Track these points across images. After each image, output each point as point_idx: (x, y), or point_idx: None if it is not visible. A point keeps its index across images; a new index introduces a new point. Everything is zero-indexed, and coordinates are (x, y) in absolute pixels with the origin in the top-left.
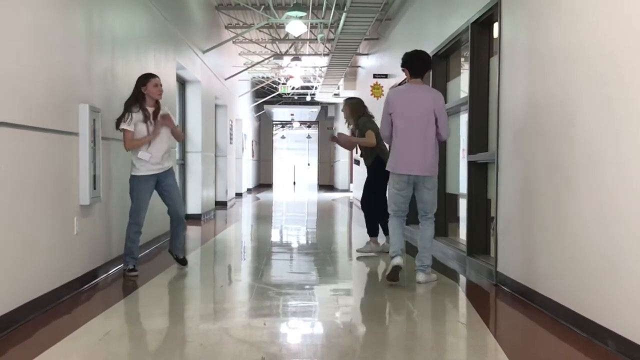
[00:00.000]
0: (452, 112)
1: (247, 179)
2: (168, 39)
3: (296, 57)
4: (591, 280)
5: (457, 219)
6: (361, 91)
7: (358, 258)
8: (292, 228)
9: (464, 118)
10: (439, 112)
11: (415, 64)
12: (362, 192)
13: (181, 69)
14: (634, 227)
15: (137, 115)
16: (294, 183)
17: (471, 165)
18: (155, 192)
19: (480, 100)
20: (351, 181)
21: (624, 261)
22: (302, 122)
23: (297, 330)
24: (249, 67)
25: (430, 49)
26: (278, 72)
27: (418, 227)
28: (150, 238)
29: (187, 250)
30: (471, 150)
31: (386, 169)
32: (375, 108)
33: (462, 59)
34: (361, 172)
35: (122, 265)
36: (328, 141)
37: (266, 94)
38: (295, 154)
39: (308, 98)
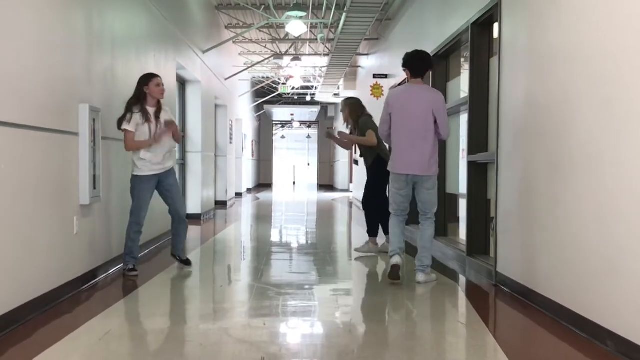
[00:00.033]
0: (452, 112)
1: (247, 179)
2: (168, 38)
3: (296, 57)
4: (591, 281)
5: (457, 219)
6: (361, 91)
7: (357, 258)
8: (291, 228)
9: (464, 118)
10: (438, 112)
11: (416, 64)
12: (364, 192)
13: (181, 69)
14: (634, 227)
15: (139, 116)
16: (294, 183)
17: (471, 165)
18: (155, 192)
19: (480, 101)
20: (351, 181)
21: (624, 261)
22: (302, 122)
23: (297, 330)
24: (249, 67)
25: (430, 49)
26: (278, 72)
27: (418, 227)
28: (151, 238)
29: (187, 250)
30: (471, 150)
31: (387, 168)
32: (375, 108)
33: (462, 59)
34: (361, 172)
35: (122, 265)
36: (324, 137)
37: (266, 94)
38: (295, 154)
39: (308, 98)
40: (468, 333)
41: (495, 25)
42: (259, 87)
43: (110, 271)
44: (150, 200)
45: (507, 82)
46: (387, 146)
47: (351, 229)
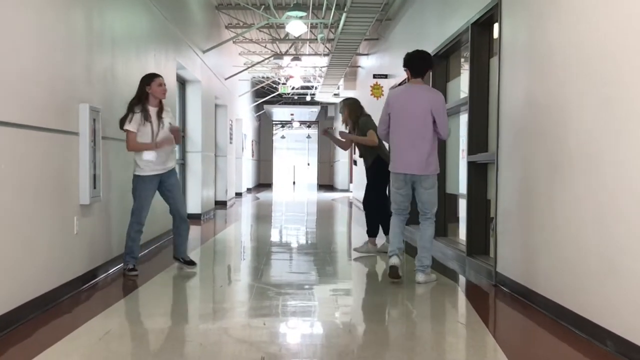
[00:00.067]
0: (452, 112)
1: (247, 179)
2: (168, 38)
3: (296, 57)
4: (591, 281)
5: (457, 219)
6: (361, 91)
7: (356, 258)
8: (291, 228)
9: (463, 118)
10: (437, 112)
11: (416, 63)
12: (364, 192)
13: (181, 69)
14: (634, 227)
15: (141, 116)
16: (294, 183)
17: (471, 165)
18: (156, 192)
19: (480, 101)
20: (351, 181)
21: (624, 261)
22: (302, 122)
23: (297, 330)
24: (249, 67)
25: (430, 49)
26: (278, 72)
27: (418, 227)
28: (151, 237)
29: (187, 250)
30: (471, 150)
31: (389, 168)
32: (375, 108)
33: (462, 60)
34: (361, 173)
35: (122, 264)
36: (322, 135)
37: (266, 94)
38: (295, 154)
39: (308, 98)
40: (468, 333)
41: (495, 26)
42: (259, 87)
43: (110, 271)
44: (152, 200)
45: (507, 82)
46: (387, 146)
47: (351, 229)
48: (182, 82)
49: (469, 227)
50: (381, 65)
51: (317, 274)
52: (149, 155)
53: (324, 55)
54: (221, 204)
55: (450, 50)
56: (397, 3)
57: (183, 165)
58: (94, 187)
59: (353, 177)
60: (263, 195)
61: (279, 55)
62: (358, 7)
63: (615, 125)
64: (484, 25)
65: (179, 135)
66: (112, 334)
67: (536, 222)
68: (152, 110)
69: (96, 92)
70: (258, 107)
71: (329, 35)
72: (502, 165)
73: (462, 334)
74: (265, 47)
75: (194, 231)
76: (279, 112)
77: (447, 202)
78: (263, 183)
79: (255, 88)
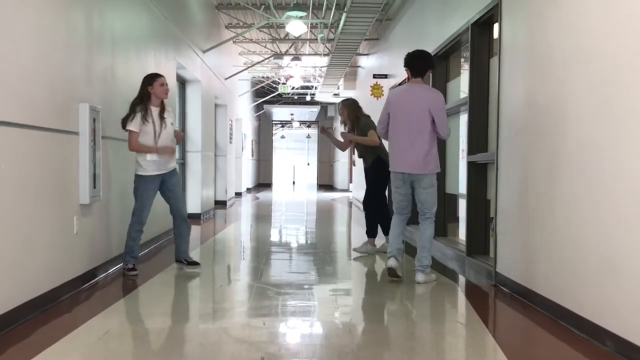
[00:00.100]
0: (452, 112)
1: (247, 179)
2: (168, 38)
3: (296, 57)
4: (590, 281)
5: (457, 219)
6: (361, 91)
7: (356, 258)
8: (291, 228)
9: (463, 118)
10: (435, 112)
11: (416, 63)
12: (365, 193)
13: (181, 69)
14: (634, 227)
15: (143, 115)
16: (294, 183)
17: (471, 165)
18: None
19: (480, 101)
20: (350, 181)
21: (623, 261)
22: (302, 122)
23: (296, 330)
24: (249, 67)
25: (430, 49)
26: (278, 72)
27: (418, 227)
28: (151, 237)
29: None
30: (471, 150)
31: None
32: (375, 108)
33: (462, 60)
34: (361, 173)
35: (121, 264)
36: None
37: (266, 94)
38: (295, 154)
39: (308, 98)
40: (467, 333)
41: (495, 26)
42: (258, 87)
43: (110, 270)
44: (153, 200)
45: (507, 82)
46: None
47: (350, 229)
48: (182, 82)
49: (468, 227)
50: (381, 65)
51: (316, 274)
52: (151, 156)
53: (324, 55)
54: (221, 204)
55: (450, 50)
56: (397, 3)
57: (183, 164)
58: (94, 187)
59: (353, 177)
60: (263, 195)
61: (279, 55)
62: (358, 7)
63: (615, 125)
64: (484, 25)
65: (181, 136)
66: (111, 334)
67: (536, 222)
68: (154, 110)
69: (96, 92)
70: (258, 107)
71: (329, 35)
72: (502, 165)
73: (461, 334)
74: (265, 47)
75: (194, 231)
76: (279, 112)
77: (447, 202)
78: (263, 183)
79: (255, 88)
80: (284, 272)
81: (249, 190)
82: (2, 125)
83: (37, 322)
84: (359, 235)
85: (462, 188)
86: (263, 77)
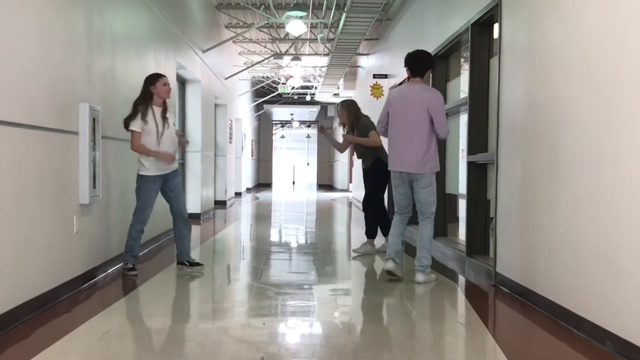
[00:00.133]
0: (451, 112)
1: (247, 179)
2: (168, 38)
3: (296, 57)
4: (590, 281)
5: (457, 219)
6: (361, 91)
7: (355, 258)
8: (291, 228)
9: (463, 118)
10: (434, 111)
11: (416, 63)
12: (364, 194)
13: (181, 69)
14: (633, 227)
15: (145, 115)
16: (293, 183)
17: (471, 165)
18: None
19: (480, 101)
20: (350, 181)
21: (623, 261)
22: (302, 122)
23: (296, 330)
24: (249, 67)
25: (430, 49)
26: (278, 71)
27: (418, 227)
28: (150, 237)
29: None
30: (471, 150)
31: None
32: (375, 108)
33: (462, 60)
34: (361, 173)
35: (121, 264)
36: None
37: (266, 94)
38: (295, 154)
39: (308, 98)
40: (467, 333)
41: (495, 26)
42: (258, 86)
43: (110, 270)
44: (155, 200)
45: (507, 83)
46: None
47: (350, 229)
48: (182, 82)
49: (468, 227)
50: (381, 65)
51: (316, 274)
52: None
53: (324, 55)
54: (221, 204)
55: (450, 51)
56: (397, 3)
57: (183, 164)
58: (94, 187)
59: (352, 177)
60: (262, 195)
61: (279, 55)
62: (358, 7)
63: (615, 125)
64: (484, 25)
65: (186, 142)
66: (111, 334)
67: (536, 222)
68: (157, 110)
69: (96, 92)
70: (258, 107)
71: (329, 35)
72: (502, 165)
73: (461, 334)
74: (265, 47)
75: (194, 231)
76: (279, 112)
77: (447, 202)
78: (262, 183)
79: (255, 88)
80: (284, 272)
81: (248, 190)
82: (2, 125)
83: (37, 322)
84: (359, 235)
85: (462, 188)
86: (263, 77)
